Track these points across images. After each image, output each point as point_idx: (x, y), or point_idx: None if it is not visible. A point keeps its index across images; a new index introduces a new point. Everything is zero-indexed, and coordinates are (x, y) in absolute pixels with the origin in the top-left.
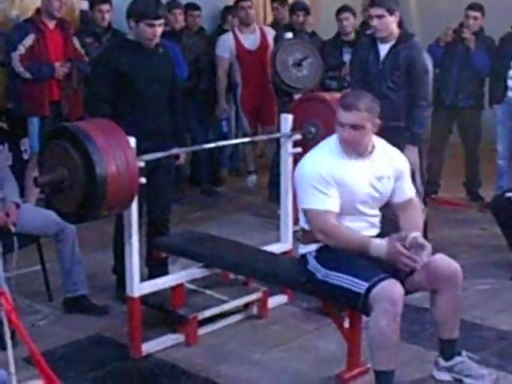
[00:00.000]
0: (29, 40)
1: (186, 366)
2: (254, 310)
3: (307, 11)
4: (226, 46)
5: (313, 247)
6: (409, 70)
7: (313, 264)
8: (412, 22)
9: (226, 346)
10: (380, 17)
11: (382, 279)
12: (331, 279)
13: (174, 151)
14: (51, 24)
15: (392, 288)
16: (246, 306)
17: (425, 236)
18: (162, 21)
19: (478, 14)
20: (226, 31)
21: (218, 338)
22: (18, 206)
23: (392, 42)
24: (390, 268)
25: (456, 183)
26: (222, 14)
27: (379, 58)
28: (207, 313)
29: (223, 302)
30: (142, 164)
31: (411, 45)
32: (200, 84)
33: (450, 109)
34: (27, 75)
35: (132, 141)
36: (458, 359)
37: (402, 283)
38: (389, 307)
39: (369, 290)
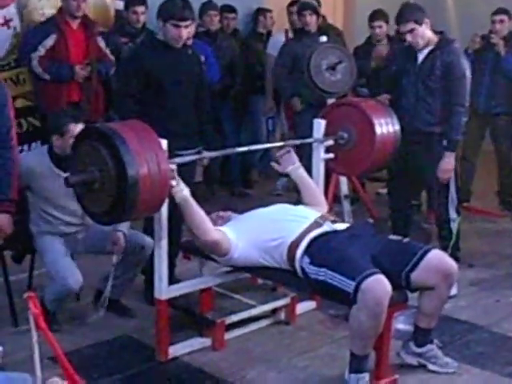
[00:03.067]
0: (49, 41)
1: (212, 371)
2: (282, 316)
3: (314, 11)
4: (276, 45)
5: (299, 254)
6: (446, 75)
7: (311, 271)
8: (450, 27)
9: (253, 351)
10: (411, 31)
11: (368, 275)
12: (323, 277)
13: (206, 155)
14: (74, 24)
15: (377, 287)
16: (274, 311)
17: (456, 247)
18: (188, 22)
19: (504, 18)
20: (260, 34)
21: (245, 342)
22: (124, 235)
23: (430, 47)
24: (386, 260)
25: (489, 192)
26: (253, 16)
27: (417, 63)
28: (235, 317)
29: (251, 306)
30: (174, 167)
31: (450, 50)
32: (233, 86)
33: (482, 116)
34: (46, 76)
35: (164, 143)
36: (429, 347)
37: (399, 277)
38: (372, 305)
39: (356, 288)
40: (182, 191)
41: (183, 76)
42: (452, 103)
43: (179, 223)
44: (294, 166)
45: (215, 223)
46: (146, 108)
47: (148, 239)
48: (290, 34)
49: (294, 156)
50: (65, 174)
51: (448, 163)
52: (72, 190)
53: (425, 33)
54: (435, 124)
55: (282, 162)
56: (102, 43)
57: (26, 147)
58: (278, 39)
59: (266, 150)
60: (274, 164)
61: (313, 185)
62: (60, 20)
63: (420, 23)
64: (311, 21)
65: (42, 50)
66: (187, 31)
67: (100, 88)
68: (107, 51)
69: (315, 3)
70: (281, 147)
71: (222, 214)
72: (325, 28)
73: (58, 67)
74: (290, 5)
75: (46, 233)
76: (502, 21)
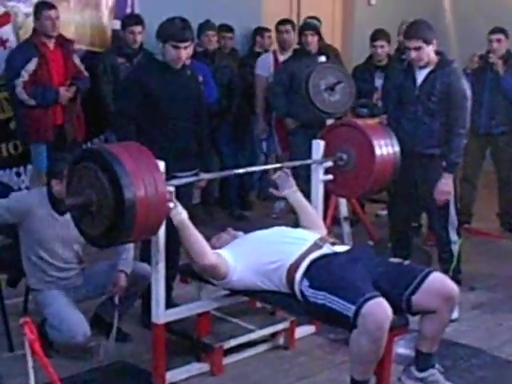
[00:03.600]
0: (32, 65)
1: None
2: (281, 340)
3: (316, 32)
4: (265, 65)
5: (298, 277)
6: (446, 97)
7: (311, 294)
8: (449, 46)
9: (252, 376)
10: (417, 49)
11: (368, 299)
12: (323, 300)
13: (204, 176)
14: (51, 44)
15: (378, 310)
16: (273, 335)
17: (457, 270)
18: (188, 43)
19: (501, 37)
20: (257, 53)
21: (243, 367)
22: (126, 275)
23: (430, 68)
24: (386, 283)
25: (490, 213)
26: (252, 35)
27: (416, 83)
28: (233, 342)
29: (250, 331)
30: (172, 189)
31: (450, 71)
32: (232, 106)
33: (483, 136)
34: (32, 102)
35: (161, 164)
36: (431, 371)
37: (400, 300)
38: (372, 330)
39: (357, 312)
40: (180, 214)
41: (182, 97)
42: (452, 125)
43: (177, 246)
44: (290, 190)
45: (213, 246)
46: (143, 129)
47: (148, 268)
48: (279, 54)
49: (290, 179)
50: (61, 218)
51: (445, 184)
52: (64, 237)
53: (429, 53)
54: (435, 146)
55: (279, 186)
56: (77, 60)
57: (21, 169)
58: (266, 59)
59: (264, 171)
60: (271, 189)
61: (310, 208)
62: (37, 41)
63: (428, 43)
64: (312, 41)
65: (25, 75)
66: (186, 52)
67: (80, 110)
68: (82, 68)
69: (317, 23)
70: (277, 169)
71: (232, 232)
72: (323, 48)
73: (42, 91)
74: (280, 23)
75: (45, 287)
76: (499, 40)
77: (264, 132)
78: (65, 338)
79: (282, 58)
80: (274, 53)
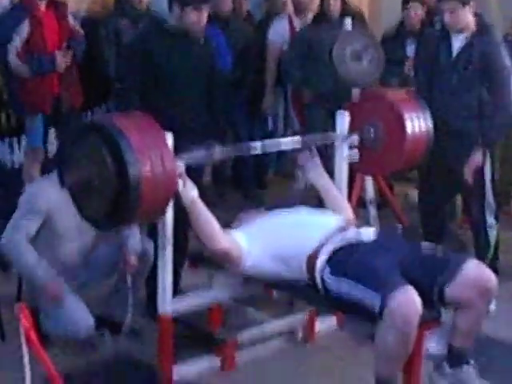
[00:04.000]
0: (24, 28)
1: None
2: (300, 334)
3: None
4: (278, 30)
5: (320, 264)
6: (486, 68)
7: (333, 283)
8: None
9: (267, 373)
10: (452, 11)
11: (396, 289)
12: (346, 289)
13: (216, 153)
14: (42, 5)
15: (406, 302)
16: (291, 328)
17: (495, 257)
18: (209, 4)
19: None
20: (276, 14)
21: (258, 363)
22: (136, 252)
23: (467, 34)
24: (416, 272)
25: None
26: None
27: (451, 50)
28: (247, 335)
29: (265, 323)
30: (181, 165)
31: (488, 39)
32: (247, 75)
33: None
34: (26, 71)
35: (169, 138)
36: (465, 368)
37: (431, 291)
38: (400, 323)
39: (383, 303)
40: (190, 192)
41: (194, 67)
42: (494, 98)
43: (185, 228)
44: (315, 172)
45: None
46: (150, 100)
47: (149, 243)
48: (295, 19)
49: (316, 159)
50: None
51: (475, 160)
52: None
53: (465, 17)
54: (471, 120)
55: (303, 167)
56: (71, 19)
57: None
58: (280, 25)
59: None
60: (298, 172)
61: (336, 191)
62: (28, 2)
63: (464, 4)
64: (335, 5)
65: (17, 40)
66: (207, 14)
67: (77, 76)
68: (77, 26)
69: None
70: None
71: (253, 212)
72: (347, 12)
73: (39, 59)
74: None
75: None
76: None
77: (272, 108)
78: (65, 330)
79: (298, 23)
80: (289, 17)
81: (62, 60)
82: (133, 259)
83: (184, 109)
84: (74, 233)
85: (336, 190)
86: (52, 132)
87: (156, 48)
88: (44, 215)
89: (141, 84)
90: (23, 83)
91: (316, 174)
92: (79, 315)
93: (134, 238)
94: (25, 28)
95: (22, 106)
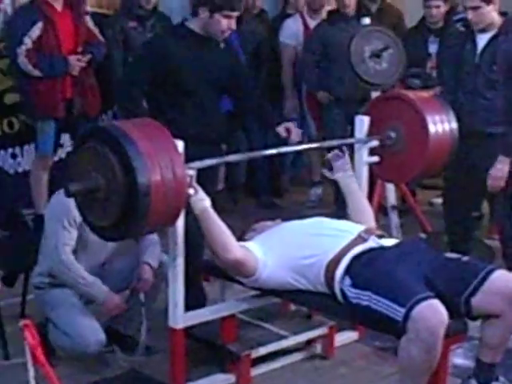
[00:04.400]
0: (36, 30)
1: None
2: (318, 348)
3: None
4: (291, 31)
5: (339, 275)
6: (509, 68)
7: (353, 295)
8: None
9: None
10: (475, 8)
11: (420, 300)
12: (367, 302)
13: (229, 158)
14: (58, 5)
15: (432, 314)
16: (309, 342)
17: None
18: (239, 12)
19: None
20: (290, 15)
21: (274, 380)
22: (151, 268)
23: (493, 32)
24: (441, 283)
25: None
26: None
27: (476, 50)
28: (263, 350)
29: (282, 337)
30: (192, 173)
31: None
32: (259, 78)
33: None
34: (36, 73)
35: (180, 145)
36: None
37: (458, 302)
38: (425, 337)
39: (407, 316)
40: (202, 201)
41: (212, 74)
42: None
43: (199, 238)
44: (344, 173)
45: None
46: (162, 108)
47: (164, 255)
48: (309, 18)
49: (346, 160)
50: None
51: (500, 170)
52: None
53: (489, 14)
54: (497, 124)
55: (333, 166)
56: (90, 23)
57: (17, 150)
58: (292, 25)
59: (298, 153)
60: (324, 170)
61: (363, 198)
62: (42, 3)
63: (488, 2)
64: (350, 2)
65: (28, 43)
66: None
67: (94, 80)
68: (96, 31)
69: None
70: (330, 149)
71: (269, 223)
72: (383, 8)
73: (50, 61)
74: None
75: (57, 284)
76: None
77: (293, 111)
78: (74, 345)
79: (312, 22)
80: (302, 16)
81: (76, 63)
82: (147, 274)
83: (198, 118)
84: (99, 245)
85: (363, 195)
86: (65, 137)
87: (172, 49)
88: (78, 225)
89: (146, 84)
90: (35, 85)
91: (344, 175)
92: (89, 330)
93: (153, 250)
94: (36, 30)
95: (33, 109)
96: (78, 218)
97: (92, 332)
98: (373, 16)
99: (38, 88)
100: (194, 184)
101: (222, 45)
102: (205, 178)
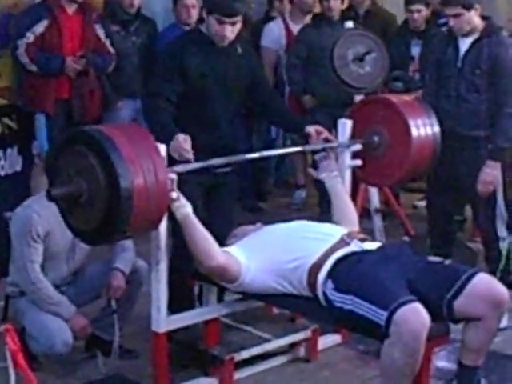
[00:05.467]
0: (40, 27)
1: None
2: (302, 352)
3: None
4: (273, 35)
5: (322, 279)
6: (493, 71)
7: (336, 298)
8: (497, 7)
9: None
10: (457, 15)
11: (402, 304)
12: (350, 305)
13: (212, 162)
14: (71, 8)
15: (414, 317)
16: (292, 346)
17: (507, 270)
18: (236, 18)
19: None
20: (273, 18)
21: (257, 383)
22: (123, 274)
23: (475, 36)
24: (424, 286)
25: None
26: None
27: (458, 54)
28: (246, 353)
29: (265, 340)
30: (174, 176)
31: (497, 40)
32: None
33: None
34: (32, 67)
35: (163, 149)
36: None
37: (440, 305)
38: (407, 340)
39: (389, 320)
40: (184, 207)
41: (228, 80)
42: (500, 104)
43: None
44: (330, 173)
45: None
46: (177, 117)
47: (140, 261)
48: (291, 22)
49: (333, 162)
50: None
51: (488, 174)
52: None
53: (472, 19)
54: (480, 127)
55: (319, 167)
56: (101, 32)
57: (0, 153)
58: (274, 29)
59: (282, 156)
60: (310, 169)
61: (348, 200)
62: (54, 3)
63: (469, 8)
64: (335, 6)
65: (30, 37)
66: (233, 28)
67: (96, 85)
68: (107, 42)
69: None
70: (314, 152)
71: (250, 227)
72: (376, 13)
73: (47, 58)
74: None
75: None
76: None
77: None
78: (44, 347)
79: (294, 26)
80: (285, 20)
81: (72, 64)
82: (117, 281)
83: (209, 127)
84: (67, 253)
85: (348, 198)
86: None
87: (186, 54)
88: (42, 238)
89: (173, 93)
90: (29, 77)
91: (329, 176)
92: (55, 331)
93: (125, 256)
94: (40, 27)
95: (27, 103)
96: (42, 231)
97: (58, 333)
98: (360, 19)
99: (31, 80)
100: (175, 188)
101: (240, 49)
102: (188, 185)
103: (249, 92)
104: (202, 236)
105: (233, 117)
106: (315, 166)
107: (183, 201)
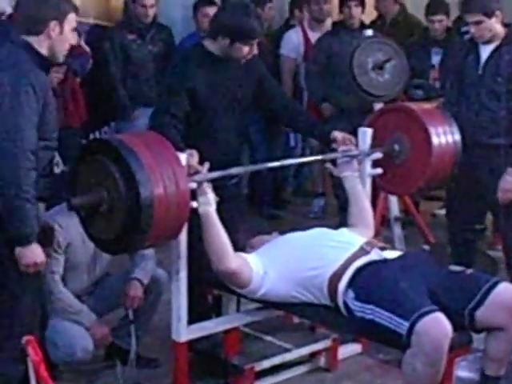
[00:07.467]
0: None
1: None
2: (322, 361)
3: (361, 2)
4: (292, 44)
5: (342, 288)
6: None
7: (357, 308)
8: None
9: None
10: (478, 23)
11: (424, 314)
12: (371, 315)
13: (233, 170)
14: None
15: (436, 327)
16: (313, 355)
17: None
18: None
19: None
20: (292, 27)
21: None
22: (141, 283)
23: (496, 43)
24: (445, 295)
25: None
26: (289, 6)
27: (479, 61)
28: (266, 363)
29: (285, 350)
30: (194, 185)
31: None
32: None
33: None
34: None
35: (183, 158)
36: None
37: (462, 315)
38: (429, 351)
39: (411, 330)
40: (209, 205)
41: (233, 94)
42: None
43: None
44: (351, 173)
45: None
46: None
47: (160, 270)
48: (309, 30)
49: (354, 162)
50: None
51: (509, 182)
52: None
53: (493, 27)
54: (501, 135)
55: (339, 165)
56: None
57: None
58: (293, 37)
59: (301, 164)
60: (329, 165)
61: (366, 204)
62: None
63: (490, 16)
64: (356, 13)
65: None
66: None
67: (78, 88)
68: (82, 42)
69: None
70: (334, 161)
71: (266, 237)
72: (401, 20)
73: None
74: None
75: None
76: None
77: None
78: (64, 354)
79: (313, 34)
80: (303, 28)
81: (54, 75)
82: (134, 291)
83: (215, 141)
84: (88, 264)
85: (367, 201)
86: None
87: (193, 72)
88: (64, 249)
89: (180, 110)
90: None
91: (350, 176)
92: (76, 338)
93: (144, 266)
94: None
95: None
96: (63, 242)
97: (77, 339)
98: (385, 27)
99: None
100: (205, 188)
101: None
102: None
103: (259, 100)
104: (218, 236)
105: (241, 128)
106: (334, 164)
107: (210, 198)
